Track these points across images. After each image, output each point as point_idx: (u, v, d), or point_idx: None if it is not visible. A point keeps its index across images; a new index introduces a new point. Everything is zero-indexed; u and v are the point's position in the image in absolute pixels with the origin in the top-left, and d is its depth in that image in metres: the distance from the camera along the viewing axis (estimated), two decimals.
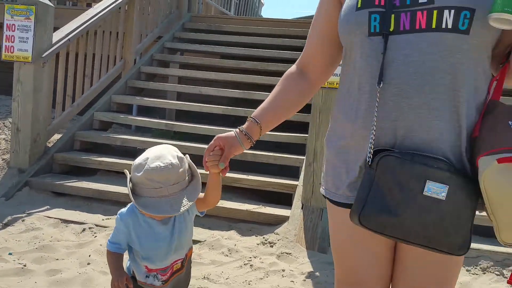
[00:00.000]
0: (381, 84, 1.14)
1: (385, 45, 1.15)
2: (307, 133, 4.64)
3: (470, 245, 1.13)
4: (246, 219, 3.70)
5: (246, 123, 1.37)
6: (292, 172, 4.23)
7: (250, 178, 4.06)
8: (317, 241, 3.40)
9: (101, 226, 3.47)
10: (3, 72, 6.04)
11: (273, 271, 2.94)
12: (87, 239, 3.26)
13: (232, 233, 3.53)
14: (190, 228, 1.63)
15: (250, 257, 3.14)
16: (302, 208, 3.65)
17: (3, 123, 5.07)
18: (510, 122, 1.12)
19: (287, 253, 3.22)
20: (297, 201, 3.75)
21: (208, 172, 1.38)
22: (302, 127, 4.98)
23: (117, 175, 4.46)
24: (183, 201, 1.41)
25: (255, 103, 5.29)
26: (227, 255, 3.16)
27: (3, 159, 4.41)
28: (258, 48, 6.21)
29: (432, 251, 1.14)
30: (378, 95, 1.15)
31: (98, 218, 3.65)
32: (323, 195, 1.35)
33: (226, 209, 3.74)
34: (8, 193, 3.95)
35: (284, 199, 3.90)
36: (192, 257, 1.76)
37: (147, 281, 1.60)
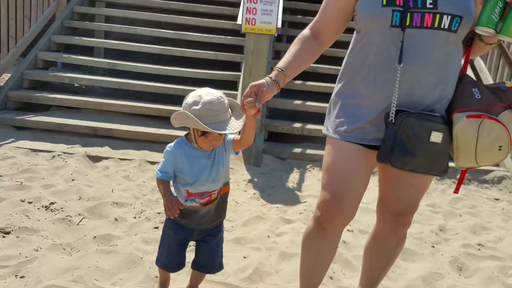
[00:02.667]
0: (401, 64, 1.59)
1: (403, 35, 1.59)
2: (235, 72, 5.40)
3: (448, 169, 1.67)
4: None
5: (273, 71, 1.71)
6: None
7: None
8: (252, 158, 4.30)
9: (68, 153, 4.02)
10: None
11: None
12: (59, 164, 3.82)
13: None
14: (226, 164, 1.88)
15: None
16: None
17: None
18: (473, 89, 1.67)
19: (231, 168, 4.07)
20: None
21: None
22: (230, 65, 5.70)
23: (69, 110, 4.94)
24: (235, 123, 1.75)
25: (189, 44, 5.90)
26: None
27: None
28: None
29: (426, 175, 1.71)
30: (399, 72, 1.59)
31: (63, 147, 4.19)
32: (329, 135, 1.77)
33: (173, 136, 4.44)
34: None
35: None
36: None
37: (186, 204, 1.85)
